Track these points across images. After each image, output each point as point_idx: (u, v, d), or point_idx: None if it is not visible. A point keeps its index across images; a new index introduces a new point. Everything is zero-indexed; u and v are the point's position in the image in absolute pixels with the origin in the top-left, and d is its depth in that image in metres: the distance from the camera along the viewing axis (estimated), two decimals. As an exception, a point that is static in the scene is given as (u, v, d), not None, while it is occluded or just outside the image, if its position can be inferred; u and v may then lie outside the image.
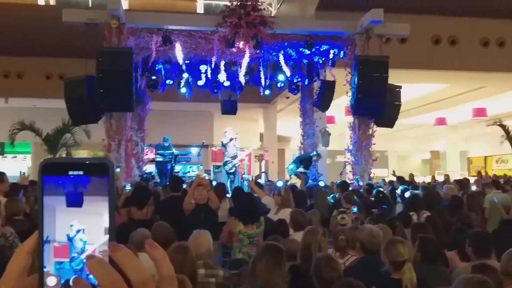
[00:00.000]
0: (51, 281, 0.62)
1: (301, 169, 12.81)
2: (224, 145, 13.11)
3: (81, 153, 19.17)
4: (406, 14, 12.89)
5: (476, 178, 14.25)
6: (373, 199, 8.21)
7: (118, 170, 9.73)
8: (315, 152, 13.19)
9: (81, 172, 0.62)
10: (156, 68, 12.19)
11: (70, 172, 0.62)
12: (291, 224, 5.47)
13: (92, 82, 9.59)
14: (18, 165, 19.42)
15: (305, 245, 4.19)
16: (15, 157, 20.75)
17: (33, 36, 14.15)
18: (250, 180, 12.68)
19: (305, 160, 13.04)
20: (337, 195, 8.34)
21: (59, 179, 0.62)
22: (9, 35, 14.06)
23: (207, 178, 13.53)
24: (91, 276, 0.60)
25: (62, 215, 0.62)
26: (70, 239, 0.62)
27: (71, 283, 0.61)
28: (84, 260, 0.61)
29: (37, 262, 0.63)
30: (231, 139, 12.98)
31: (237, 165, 13.08)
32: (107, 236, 0.63)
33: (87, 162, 0.63)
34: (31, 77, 16.09)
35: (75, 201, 0.62)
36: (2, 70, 16.10)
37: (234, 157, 12.98)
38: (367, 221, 5.41)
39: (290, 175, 13.02)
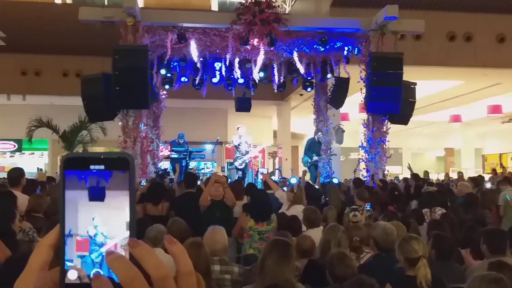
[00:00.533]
0: (72, 274, 0.62)
1: (315, 157, 12.91)
2: (236, 146, 13.18)
3: (98, 150, 19.38)
4: (421, 10, 12.83)
5: (491, 175, 14.12)
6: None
7: None
8: (316, 138, 13.31)
9: (102, 167, 0.62)
10: (171, 66, 12.27)
11: (92, 167, 0.62)
12: (304, 222, 5.50)
13: (108, 80, 9.68)
14: (35, 162, 19.68)
15: (325, 240, 4.23)
16: (33, 153, 21.03)
17: (50, 34, 14.34)
18: (265, 173, 12.80)
19: (312, 146, 13.16)
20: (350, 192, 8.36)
21: (82, 174, 0.62)
22: (26, 33, 14.25)
23: (221, 174, 13.68)
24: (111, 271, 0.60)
25: (83, 209, 0.62)
26: (90, 233, 0.62)
27: (91, 277, 0.61)
28: (104, 255, 0.62)
29: (59, 256, 0.63)
30: (240, 137, 13.06)
31: (247, 161, 13.10)
32: (128, 231, 0.63)
33: (108, 157, 0.63)
34: (49, 74, 16.31)
35: (97, 196, 0.62)
36: (20, 68, 16.34)
37: (245, 153, 13.02)
38: (381, 218, 5.43)
39: (306, 166, 13.12)
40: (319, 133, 13.59)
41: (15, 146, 20.88)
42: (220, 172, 13.44)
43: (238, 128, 13.27)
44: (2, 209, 4.55)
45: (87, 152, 0.66)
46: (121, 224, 0.63)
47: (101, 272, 0.62)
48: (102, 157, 0.63)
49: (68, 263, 0.62)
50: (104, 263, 0.61)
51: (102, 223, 0.62)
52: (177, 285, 0.61)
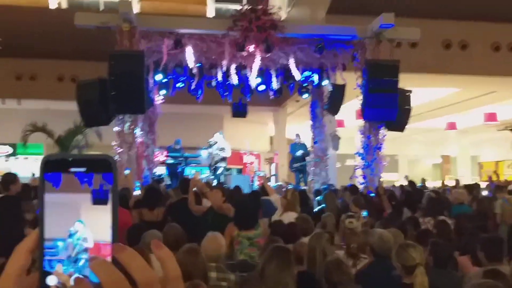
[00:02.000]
0: (51, 280, 0.60)
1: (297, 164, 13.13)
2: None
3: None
4: (417, 18, 12.87)
5: (487, 183, 14.16)
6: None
7: (128, 172, 9.80)
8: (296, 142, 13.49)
9: (84, 169, 0.61)
10: (167, 71, 12.25)
11: (73, 169, 0.61)
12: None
13: (104, 85, 9.67)
14: (30, 166, 19.59)
15: (310, 249, 4.20)
16: (27, 158, 20.93)
17: (46, 39, 14.30)
18: (262, 175, 12.87)
19: (293, 150, 13.37)
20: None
21: (85, 176, 0.61)
22: (21, 37, 14.22)
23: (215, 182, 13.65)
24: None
25: (68, 213, 0.61)
26: (72, 237, 0.61)
27: (72, 282, 0.60)
28: (87, 260, 0.60)
29: (38, 261, 0.61)
30: (210, 146, 13.35)
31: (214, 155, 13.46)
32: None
33: (90, 159, 0.62)
34: (44, 79, 16.27)
35: (101, 199, 0.61)
36: (15, 72, 16.29)
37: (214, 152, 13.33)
38: (377, 225, 5.41)
39: (292, 171, 13.34)
40: (296, 137, 13.76)
41: (10, 150, 20.79)
42: (198, 176, 13.52)
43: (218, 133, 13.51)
44: (10, 213, 4.49)
45: (68, 154, 0.65)
46: (106, 228, 0.61)
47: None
48: (82, 159, 0.62)
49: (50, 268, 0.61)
50: (88, 268, 0.60)
51: (87, 226, 0.61)
52: None
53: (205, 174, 14.93)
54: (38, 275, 0.61)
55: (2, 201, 5.67)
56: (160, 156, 13.86)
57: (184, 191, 6.86)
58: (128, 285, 0.56)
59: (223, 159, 13.30)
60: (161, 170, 14.02)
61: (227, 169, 14.82)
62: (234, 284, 3.89)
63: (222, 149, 13.26)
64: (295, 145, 13.47)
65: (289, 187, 9.70)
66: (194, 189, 6.49)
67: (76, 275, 0.60)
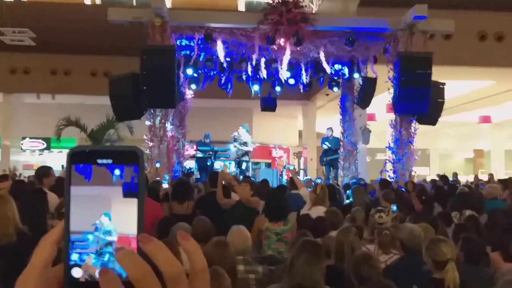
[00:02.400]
0: (76, 272, 0.60)
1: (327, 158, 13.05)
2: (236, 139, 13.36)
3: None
4: (450, 9, 12.61)
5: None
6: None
7: (158, 165, 9.93)
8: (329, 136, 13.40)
9: (110, 161, 0.61)
10: (198, 66, 12.34)
11: (99, 161, 0.60)
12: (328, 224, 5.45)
13: (136, 79, 9.80)
14: (64, 160, 20.03)
15: (338, 244, 4.18)
16: (61, 152, 21.41)
17: (80, 35, 14.58)
18: (291, 169, 12.82)
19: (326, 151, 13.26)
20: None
21: (116, 168, 0.61)
22: (56, 33, 14.53)
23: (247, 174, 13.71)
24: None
25: (98, 205, 0.61)
26: (98, 229, 0.61)
27: (97, 274, 0.59)
28: (113, 251, 0.60)
29: (63, 253, 0.61)
30: (235, 140, 13.29)
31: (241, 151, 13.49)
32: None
33: (117, 150, 0.61)
34: (78, 74, 16.60)
35: (132, 192, 0.61)
36: (49, 68, 16.67)
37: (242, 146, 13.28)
38: (408, 220, 5.35)
39: (322, 165, 13.26)
40: (328, 131, 13.63)
41: (44, 144, 21.30)
42: (226, 169, 13.56)
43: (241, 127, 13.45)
44: (35, 205, 4.61)
45: (94, 146, 0.64)
46: (134, 221, 0.61)
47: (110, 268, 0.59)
48: (109, 150, 0.61)
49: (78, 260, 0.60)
50: (114, 259, 0.59)
51: (114, 219, 0.61)
52: (190, 282, 0.59)
53: (234, 168, 15.02)
54: (63, 267, 0.60)
55: (29, 194, 5.80)
56: (190, 150, 13.98)
57: (213, 184, 6.90)
58: (154, 277, 0.56)
59: (246, 153, 13.25)
60: (191, 164, 14.16)
61: (255, 163, 14.84)
62: (262, 276, 3.91)
63: (244, 143, 13.22)
64: (327, 139, 13.38)
65: (317, 181, 9.66)
66: (223, 182, 6.52)
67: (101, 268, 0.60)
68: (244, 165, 13.33)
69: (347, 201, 8.33)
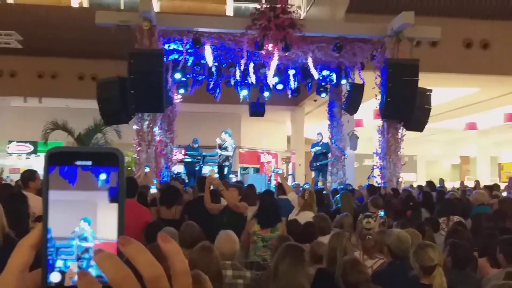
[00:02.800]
0: (55, 277, 0.59)
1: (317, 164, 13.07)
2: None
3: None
4: (437, 17, 12.75)
5: (506, 184, 13.95)
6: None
7: (147, 169, 9.88)
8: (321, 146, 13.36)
9: (89, 162, 0.59)
10: (186, 70, 12.33)
11: (78, 162, 0.59)
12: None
13: (123, 83, 9.76)
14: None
15: (330, 248, 4.19)
16: (48, 155, 21.17)
17: (67, 38, 14.50)
18: (280, 173, 12.81)
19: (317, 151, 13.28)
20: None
21: (100, 172, 0.59)
22: (43, 36, 14.43)
23: (234, 179, 13.69)
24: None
25: (73, 209, 0.59)
26: (76, 235, 0.59)
27: (76, 277, 0.58)
28: (91, 257, 0.59)
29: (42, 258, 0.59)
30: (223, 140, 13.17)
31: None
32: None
33: (96, 152, 0.60)
34: (65, 77, 16.49)
35: (117, 197, 0.60)
36: (36, 71, 16.53)
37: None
38: (395, 225, 5.37)
39: (312, 170, 13.29)
40: (318, 136, 13.67)
41: (31, 148, 21.10)
42: (213, 174, 13.50)
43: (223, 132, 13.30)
44: (17, 208, 4.56)
45: (73, 147, 0.63)
46: (112, 223, 0.60)
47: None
48: (89, 152, 0.60)
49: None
50: (92, 265, 0.59)
51: (94, 224, 0.60)
52: (172, 285, 0.58)
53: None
54: (41, 271, 0.59)
55: (9, 198, 5.72)
56: (179, 155, 13.94)
57: (201, 189, 6.88)
58: (134, 279, 0.55)
59: (227, 158, 13.12)
60: (179, 169, 14.11)
61: (244, 169, 14.79)
62: (250, 281, 3.90)
63: (225, 148, 13.09)
64: (317, 144, 13.41)
65: (305, 186, 9.67)
66: (211, 187, 6.50)
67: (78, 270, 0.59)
68: (226, 170, 13.19)
69: (336, 207, 8.34)
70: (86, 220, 0.59)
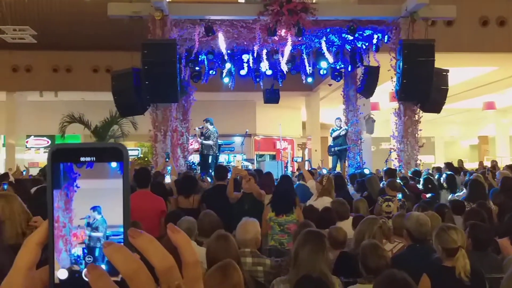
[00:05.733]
0: (62, 274, 0.59)
1: (336, 149, 12.94)
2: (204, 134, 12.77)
3: (129, 144, 19.71)
4: (452, -5, 12.52)
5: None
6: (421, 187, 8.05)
7: (168, 157, 9.92)
8: (343, 129, 13.21)
9: (93, 158, 0.59)
10: (199, 59, 12.31)
11: (82, 158, 0.59)
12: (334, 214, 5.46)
13: (138, 74, 9.79)
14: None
15: (359, 231, 4.17)
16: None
17: (80, 31, 14.55)
18: (300, 161, 12.73)
19: (334, 136, 13.15)
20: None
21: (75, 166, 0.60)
22: (57, 30, 14.51)
23: (250, 167, 13.69)
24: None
25: (81, 201, 0.60)
26: (89, 225, 0.60)
27: (85, 271, 0.58)
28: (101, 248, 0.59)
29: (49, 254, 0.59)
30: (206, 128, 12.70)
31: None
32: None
33: (100, 147, 0.60)
34: (79, 71, 16.58)
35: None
36: (51, 65, 16.65)
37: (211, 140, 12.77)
38: (415, 208, 5.32)
39: (330, 155, 13.16)
40: (336, 121, 13.47)
41: (48, 142, 21.33)
42: (240, 165, 13.35)
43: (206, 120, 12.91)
44: (43, 202, 4.62)
45: (76, 143, 0.62)
46: (118, 217, 0.60)
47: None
48: (93, 147, 0.60)
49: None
50: (101, 256, 0.59)
51: (104, 213, 0.60)
52: (183, 276, 0.57)
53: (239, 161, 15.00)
54: (48, 268, 0.59)
55: (35, 192, 5.81)
56: (194, 144, 13.97)
57: (219, 178, 6.90)
58: (146, 271, 0.55)
59: (210, 147, 12.69)
60: (195, 158, 14.15)
61: (260, 156, 14.73)
62: (270, 268, 3.91)
63: (207, 138, 12.65)
64: (336, 130, 13.29)
65: (323, 172, 9.64)
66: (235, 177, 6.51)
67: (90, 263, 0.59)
68: (210, 159, 12.68)
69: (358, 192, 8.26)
70: (95, 209, 0.60)
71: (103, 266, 0.58)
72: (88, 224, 0.60)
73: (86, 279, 0.56)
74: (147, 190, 5.57)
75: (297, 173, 10.58)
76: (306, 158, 20.46)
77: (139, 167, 6.60)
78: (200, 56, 12.20)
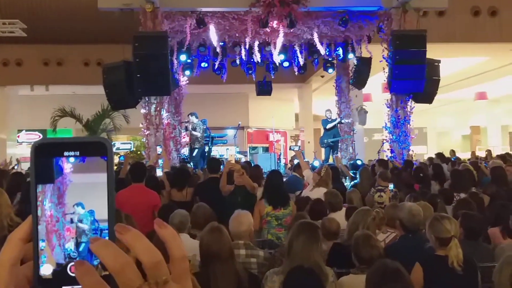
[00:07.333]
0: (46, 269, 0.58)
1: (328, 140, 12.90)
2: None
3: (121, 138, 19.63)
4: (443, -15, 12.52)
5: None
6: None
7: (160, 149, 9.88)
8: (338, 119, 13.19)
9: (77, 153, 0.59)
10: (191, 51, 12.25)
11: (66, 153, 0.59)
12: (326, 205, 5.47)
13: (129, 67, 9.72)
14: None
15: (352, 222, 4.19)
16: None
17: (71, 24, 14.42)
18: (297, 150, 12.72)
19: (329, 127, 13.12)
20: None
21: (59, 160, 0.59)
22: (47, 23, 14.37)
23: (243, 159, 13.69)
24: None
25: (76, 194, 0.60)
26: (74, 220, 0.60)
27: (71, 267, 0.58)
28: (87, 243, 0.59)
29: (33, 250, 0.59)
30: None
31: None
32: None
33: (84, 142, 0.60)
34: (70, 64, 16.46)
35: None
36: (42, 59, 16.52)
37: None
38: (407, 198, 5.35)
39: (322, 147, 13.12)
40: (327, 112, 13.40)
41: (39, 136, 21.17)
42: (234, 159, 13.29)
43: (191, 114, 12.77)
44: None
45: (59, 138, 0.61)
46: (103, 212, 0.59)
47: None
48: (77, 142, 0.60)
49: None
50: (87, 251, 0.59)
51: (87, 208, 0.60)
52: (170, 271, 0.57)
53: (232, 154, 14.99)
54: (32, 264, 0.59)
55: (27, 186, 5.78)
56: (187, 137, 13.94)
57: (212, 171, 6.89)
58: (133, 266, 0.55)
59: (197, 139, 12.56)
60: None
61: (253, 148, 14.71)
62: (263, 260, 3.92)
63: (193, 129, 12.37)
64: (327, 121, 13.27)
65: (315, 164, 9.64)
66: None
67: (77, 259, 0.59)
68: (195, 152, 12.54)
69: (353, 182, 8.30)
70: (79, 205, 0.59)
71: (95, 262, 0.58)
72: (72, 221, 0.60)
73: (73, 275, 0.56)
74: (142, 185, 5.57)
75: (290, 165, 10.60)
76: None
77: (133, 161, 6.60)
78: (191, 48, 12.13)
